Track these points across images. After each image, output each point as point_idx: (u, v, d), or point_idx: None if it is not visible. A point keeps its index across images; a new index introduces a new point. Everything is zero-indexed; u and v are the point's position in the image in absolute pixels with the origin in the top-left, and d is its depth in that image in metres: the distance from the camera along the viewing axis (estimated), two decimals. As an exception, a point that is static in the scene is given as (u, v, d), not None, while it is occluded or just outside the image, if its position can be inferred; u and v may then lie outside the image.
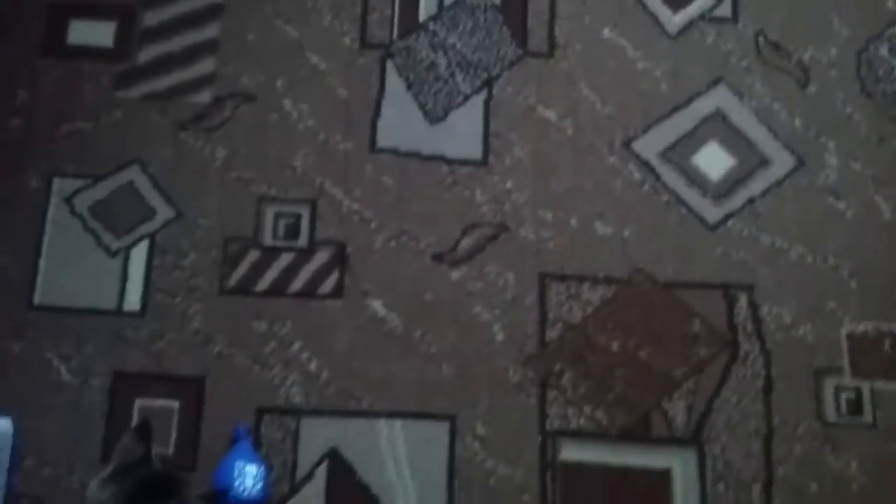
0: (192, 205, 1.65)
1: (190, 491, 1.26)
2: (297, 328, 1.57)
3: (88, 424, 1.52)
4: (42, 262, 1.61)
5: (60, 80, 1.72)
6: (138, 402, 1.53)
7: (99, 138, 1.68)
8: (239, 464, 1.43)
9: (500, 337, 1.57)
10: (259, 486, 1.42)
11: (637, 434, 1.51)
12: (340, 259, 1.62)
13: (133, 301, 1.59)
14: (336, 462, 1.49)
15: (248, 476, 1.41)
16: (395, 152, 1.68)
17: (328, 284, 1.60)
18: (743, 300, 1.59)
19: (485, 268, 1.61)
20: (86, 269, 1.61)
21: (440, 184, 1.66)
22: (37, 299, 1.58)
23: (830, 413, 1.52)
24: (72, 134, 1.68)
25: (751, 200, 1.64)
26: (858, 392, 1.54)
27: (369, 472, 1.49)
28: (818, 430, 1.51)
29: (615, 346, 1.56)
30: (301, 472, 1.49)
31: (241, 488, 1.40)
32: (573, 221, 1.64)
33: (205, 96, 1.72)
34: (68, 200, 1.65)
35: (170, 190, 1.66)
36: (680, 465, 1.50)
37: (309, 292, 1.60)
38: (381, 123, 1.70)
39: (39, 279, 1.60)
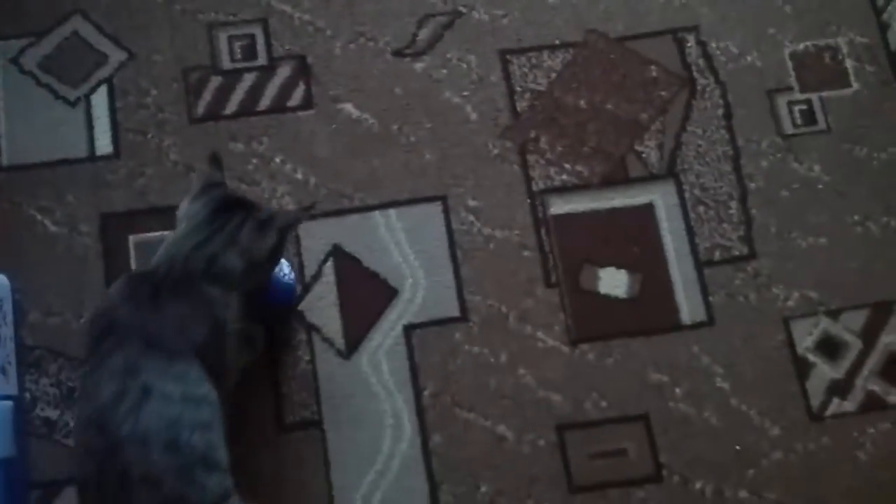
0: (142, 43, 1.59)
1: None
2: (274, 142, 1.55)
3: (86, 268, 1.47)
4: (2, 125, 1.53)
5: (-24, -54, 1.63)
6: (132, 238, 1.48)
7: (31, -5, 1.62)
8: None
9: (473, 116, 1.58)
10: (290, 274, 1.43)
11: (617, 178, 1.56)
12: (303, 70, 1.59)
13: (104, 145, 1.53)
14: (341, 257, 1.50)
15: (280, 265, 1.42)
16: (337, -41, 1.66)
17: (296, 96, 1.58)
18: (691, 40, 1.63)
19: (446, 54, 1.61)
20: (49, 123, 1.54)
21: (386, -18, 1.66)
22: (4, 161, 1.52)
23: (788, 126, 1.59)
24: (1, -4, 1.61)
25: (683, -51, 1.69)
26: (809, 103, 1.61)
27: (374, 260, 1.50)
28: (779, 143, 1.58)
29: (583, 103, 1.59)
30: (309, 272, 1.49)
31: (280, 273, 1.41)
32: (522, -4, 1.66)
33: (131, -63, 1.66)
34: (15, 60, 1.57)
35: (117, 33, 1.59)
36: (661, 197, 1.55)
37: (279, 107, 1.56)
38: (315, -65, 1.67)
39: (3, 142, 1.53)
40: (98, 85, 1.57)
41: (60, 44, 1.59)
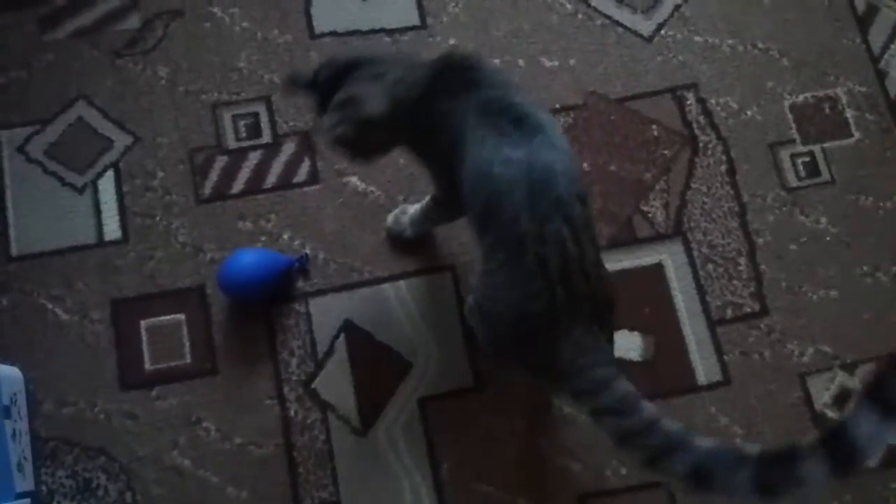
0: (147, 127, 1.52)
1: None
2: (282, 219, 1.47)
3: (99, 356, 1.40)
4: (10, 215, 1.46)
5: (-19, 37, 1.58)
6: (143, 324, 1.41)
7: (37, 84, 1.53)
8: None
9: (477, 183, 1.53)
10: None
11: (624, 239, 1.48)
12: (308, 145, 1.52)
13: (113, 230, 1.46)
14: (352, 331, 1.42)
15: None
16: (335, 35, 1.58)
17: (302, 172, 1.50)
18: (691, 97, 1.56)
19: (448, 123, 1.56)
20: (57, 211, 1.47)
21: (386, 55, 1.60)
22: (14, 251, 1.44)
23: (792, 179, 1.52)
24: (7, 85, 1.52)
25: (677, 7, 1.60)
26: (812, 155, 1.54)
27: (386, 333, 1.42)
28: (785, 196, 1.51)
29: (586, 165, 1.52)
30: (322, 348, 1.41)
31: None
32: (521, 62, 1.57)
33: (133, 21, 1.57)
34: (21, 149, 1.50)
35: (122, 117, 1.52)
36: (669, 257, 1.47)
37: (285, 184, 1.49)
38: (314, 11, 1.59)
39: (12, 231, 1.45)
40: (105, 170, 1.50)
41: (65, 130, 1.52)
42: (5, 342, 1.39)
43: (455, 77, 1.10)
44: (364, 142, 1.16)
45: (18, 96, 1.53)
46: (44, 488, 1.34)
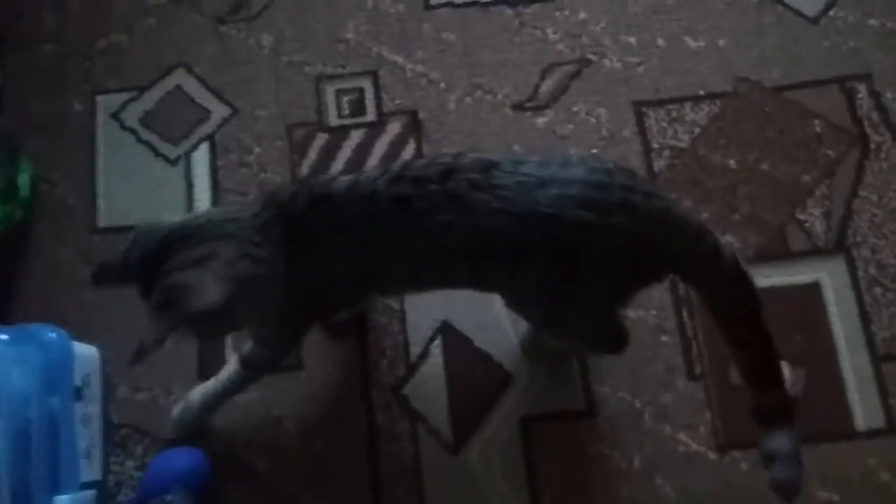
0: (246, 98, 1.40)
1: None
2: (381, 205, 1.35)
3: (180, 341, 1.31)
4: (100, 184, 1.37)
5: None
6: (228, 308, 1.31)
7: (136, 48, 1.44)
8: None
9: (602, 177, 1.33)
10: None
11: (775, 251, 1.25)
12: (414, 126, 1.36)
13: (204, 205, 1.34)
14: (450, 334, 1.25)
15: None
16: (451, 5, 1.42)
17: (406, 154, 1.35)
18: (863, 90, 1.32)
19: (572, 108, 1.35)
20: (147, 182, 1.37)
21: (507, 29, 1.40)
22: (101, 222, 1.34)
23: None
24: (107, 49, 1.44)
25: (851, -16, 1.38)
26: None
27: (488, 340, 1.24)
28: (977, 213, 1.27)
29: (732, 163, 1.30)
30: (415, 350, 1.24)
31: None
32: (660, 41, 1.37)
33: (239, -14, 1.49)
34: (116, 116, 1.40)
35: (220, 87, 1.41)
36: (828, 276, 1.23)
37: (387, 166, 1.37)
38: (431, -21, 1.45)
39: (100, 201, 1.36)
40: (199, 142, 1.38)
41: (163, 98, 1.41)
42: (85, 319, 1.29)
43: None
44: (210, 329, 1.00)
45: (117, 61, 1.44)
46: (111, 478, 1.24)
